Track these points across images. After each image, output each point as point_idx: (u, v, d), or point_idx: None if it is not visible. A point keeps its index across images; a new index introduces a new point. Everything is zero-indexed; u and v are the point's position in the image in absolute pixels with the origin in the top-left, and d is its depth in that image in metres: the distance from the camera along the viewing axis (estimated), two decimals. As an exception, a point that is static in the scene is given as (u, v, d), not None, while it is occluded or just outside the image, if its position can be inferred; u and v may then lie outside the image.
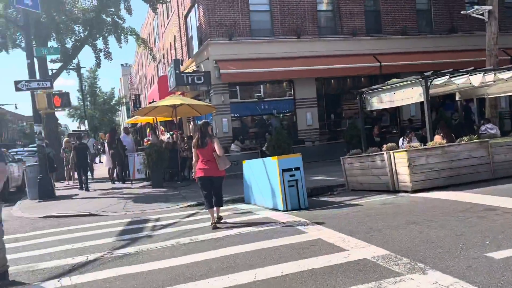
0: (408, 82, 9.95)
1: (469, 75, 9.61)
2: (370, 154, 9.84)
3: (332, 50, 17.46)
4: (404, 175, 8.76)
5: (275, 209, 8.38)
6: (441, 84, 9.67)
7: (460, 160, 8.95)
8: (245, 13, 16.70)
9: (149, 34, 37.14)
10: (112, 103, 56.38)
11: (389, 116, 19.36)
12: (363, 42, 18.02)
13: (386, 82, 10.81)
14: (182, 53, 21.79)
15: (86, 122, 42.69)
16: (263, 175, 8.77)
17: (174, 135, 19.18)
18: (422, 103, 11.20)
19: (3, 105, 62.64)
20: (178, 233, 7.01)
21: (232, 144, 15.61)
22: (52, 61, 17.98)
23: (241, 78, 15.97)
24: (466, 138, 9.17)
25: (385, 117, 19.27)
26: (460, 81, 9.54)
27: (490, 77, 9.74)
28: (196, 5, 18.18)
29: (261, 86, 17.96)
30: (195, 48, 18.96)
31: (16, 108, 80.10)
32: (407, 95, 10.03)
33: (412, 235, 5.53)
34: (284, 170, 8.11)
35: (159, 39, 31.02)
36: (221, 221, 7.51)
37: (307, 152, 15.15)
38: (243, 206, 9.37)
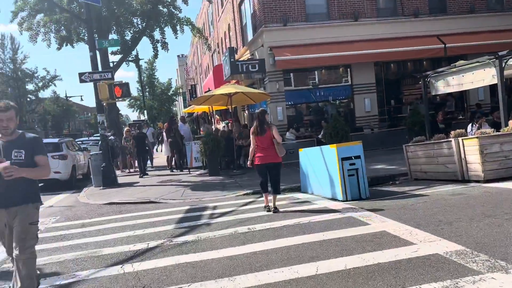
0: (480, 63, 9.18)
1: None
2: (436, 141, 9.23)
3: (392, 33, 16.61)
4: (475, 163, 8.12)
5: (334, 199, 8.10)
6: (518, 64, 8.82)
7: (540, 147, 8.14)
8: (300, -2, 16.27)
9: (203, 24, 37.57)
10: (169, 94, 57.96)
11: (454, 101, 18.19)
12: (426, 22, 16.98)
13: (453, 64, 10.06)
14: (237, 41, 21.76)
15: (145, 112, 44.18)
16: (321, 163, 8.50)
17: (229, 124, 19.30)
18: (493, 86, 10.40)
19: (70, 97, 66.43)
20: (236, 222, 6.95)
21: (287, 132, 15.39)
22: (112, 53, 18.63)
23: (296, 64, 15.64)
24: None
25: (450, 102, 18.12)
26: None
27: None
28: (250, -8, 18.01)
29: (316, 72, 17.52)
30: (250, 36, 18.83)
31: (81, 100, 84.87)
32: (478, 77, 9.27)
33: (488, 229, 5.06)
34: (343, 159, 7.78)
35: (214, 28, 31.24)
36: (279, 211, 7.38)
37: (366, 140, 14.43)
38: (300, 195, 9.17)
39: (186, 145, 14.71)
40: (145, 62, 53.35)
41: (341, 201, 7.79)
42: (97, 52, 18.23)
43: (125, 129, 16.72)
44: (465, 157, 8.37)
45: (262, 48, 16.35)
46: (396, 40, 16.44)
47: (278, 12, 16.11)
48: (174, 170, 15.56)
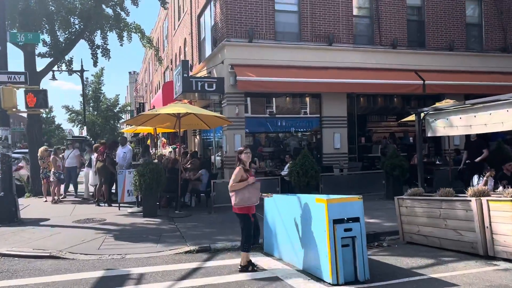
0: (502, 102, 7.24)
1: None
2: (445, 198, 7.06)
3: (368, 63, 14.84)
4: (506, 235, 5.97)
5: (316, 276, 5.59)
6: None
7: None
8: (270, 13, 14.14)
9: (158, 39, 34.86)
10: (116, 110, 53.94)
11: (426, 144, 16.62)
12: (404, 55, 15.39)
13: (463, 102, 8.10)
14: (193, 58, 19.26)
15: (85, 128, 40.12)
16: (299, 221, 6.02)
17: (176, 149, 16.52)
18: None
19: None
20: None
21: (245, 166, 12.84)
22: (40, 55, 15.42)
23: (260, 87, 13.32)
24: None
25: (429, 143, 16.52)
26: None
27: None
28: (212, 1, 15.68)
29: (280, 98, 15.37)
30: (208, 51, 16.40)
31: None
32: (495, 119, 7.29)
33: None
34: (336, 221, 5.35)
35: (168, 43, 28.62)
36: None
37: (335, 183, 12.48)
38: (263, 262, 6.58)
39: (119, 173, 11.74)
40: (91, 75, 49.41)
41: (330, 284, 5.29)
42: (22, 53, 15.13)
43: (42, 148, 13.40)
44: (490, 225, 6.21)
45: (222, 65, 13.93)
46: (372, 71, 14.66)
47: (243, 26, 13.84)
48: (102, 204, 12.47)
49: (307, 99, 15.55)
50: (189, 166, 12.73)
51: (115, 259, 7.02)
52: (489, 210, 6.21)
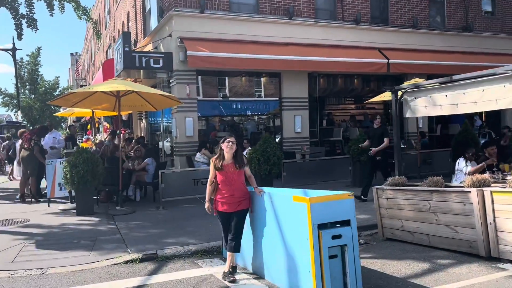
0: (498, 76, 6.27)
1: None
2: (436, 189, 6.03)
3: (330, 39, 13.72)
4: (516, 234, 5.01)
5: (294, 295, 4.35)
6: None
7: None
8: (224, -20, 12.59)
9: (99, 16, 32.03)
10: (55, 94, 49.97)
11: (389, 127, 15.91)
12: (367, 32, 14.42)
13: (450, 77, 7.09)
14: (137, 33, 17.32)
15: (19, 112, 36.54)
16: (271, 223, 4.73)
17: (121, 134, 14.70)
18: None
19: None
20: None
21: (198, 154, 11.42)
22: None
23: (214, 63, 11.83)
24: None
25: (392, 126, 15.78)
26: None
27: None
28: (157, -33, 13.87)
29: (235, 79, 14.01)
30: (154, 24, 14.59)
31: None
32: (489, 96, 6.33)
33: None
34: (321, 226, 4.10)
35: (110, 19, 26.14)
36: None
37: (298, 170, 11.36)
38: (219, 271, 5.24)
39: (48, 164, 9.90)
40: (27, 55, 45.22)
41: (314, 309, 4.06)
42: None
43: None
44: (494, 221, 5.23)
45: (170, 39, 12.27)
46: (335, 48, 13.58)
47: (194, -6, 12.20)
48: (28, 200, 10.58)
49: (265, 79, 14.28)
50: (133, 154, 11.08)
51: (31, 276, 5.43)
52: (493, 204, 5.22)
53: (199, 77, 13.06)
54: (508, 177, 7.00)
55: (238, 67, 12.42)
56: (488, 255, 5.29)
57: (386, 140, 9.33)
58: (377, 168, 9.53)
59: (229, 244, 5.06)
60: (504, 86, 6.10)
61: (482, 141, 13.25)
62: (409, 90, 7.78)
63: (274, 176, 10.22)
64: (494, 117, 17.06)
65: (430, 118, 15.13)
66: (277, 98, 13.81)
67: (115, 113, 11.41)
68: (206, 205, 5.29)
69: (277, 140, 13.58)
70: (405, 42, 14.88)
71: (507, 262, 5.10)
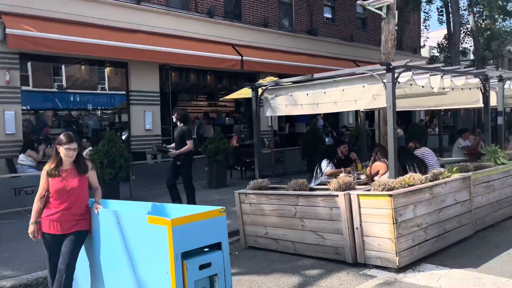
0: (357, 76, 6.23)
1: (430, 75, 6.45)
2: (304, 193, 5.67)
3: (183, 31, 12.78)
4: (382, 238, 4.87)
5: None
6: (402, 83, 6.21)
7: (446, 208, 5.61)
8: None
9: None
10: None
11: (241, 125, 15.82)
12: (221, 27, 13.92)
13: (311, 75, 6.87)
14: None
15: None
16: (119, 253, 3.63)
17: None
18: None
19: None
20: None
21: (21, 155, 9.30)
22: None
23: (43, 46, 9.81)
24: (447, 170, 5.91)
25: (238, 125, 15.66)
26: (423, 82, 6.27)
27: (447, 81, 6.82)
28: None
29: (74, 67, 12.14)
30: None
31: None
32: (349, 96, 6.26)
33: None
34: (185, 255, 3.18)
35: None
36: None
37: (149, 173, 10.23)
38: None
39: None
40: None
41: None
42: None
43: None
44: (360, 225, 5.04)
45: (-18, 12, 9.76)
46: (188, 40, 12.71)
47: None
48: None
49: (110, 69, 12.69)
50: None
51: None
52: (359, 207, 5.03)
53: (29, 63, 10.83)
54: (362, 176, 7.13)
55: (76, 53, 10.57)
56: (355, 261, 5.10)
57: (189, 142, 7.71)
58: (177, 175, 7.91)
59: (57, 280, 3.78)
60: (363, 86, 6.06)
61: (327, 140, 14.04)
62: (269, 87, 7.37)
63: (121, 180, 8.89)
64: (334, 117, 18.42)
65: (280, 117, 15.44)
66: (124, 92, 12.33)
67: None
68: (31, 228, 3.90)
69: (124, 138, 12.16)
70: (258, 40, 14.85)
71: (373, 267, 4.96)
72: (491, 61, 18.60)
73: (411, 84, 6.16)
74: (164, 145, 9.04)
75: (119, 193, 8.75)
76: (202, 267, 3.25)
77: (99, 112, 13.85)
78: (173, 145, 8.17)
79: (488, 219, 6.42)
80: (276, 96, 7.30)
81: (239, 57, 13.49)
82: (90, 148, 9.24)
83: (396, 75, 5.72)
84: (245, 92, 11.00)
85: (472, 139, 10.88)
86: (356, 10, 18.72)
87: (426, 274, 4.72)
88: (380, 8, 10.83)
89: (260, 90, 7.45)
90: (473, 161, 7.15)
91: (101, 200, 4.24)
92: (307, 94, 6.80)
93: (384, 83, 5.71)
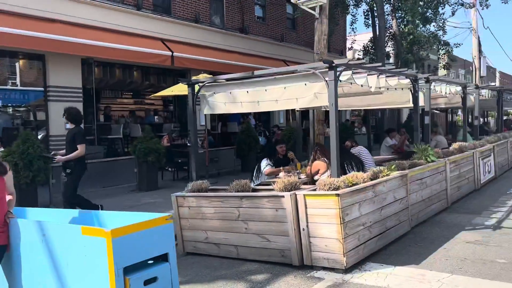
0: (299, 74, 6.11)
1: (367, 74, 6.54)
2: (247, 194, 5.41)
3: (108, 23, 11.94)
4: (329, 239, 4.76)
5: None
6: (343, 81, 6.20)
7: (387, 205, 5.67)
8: None
9: None
10: None
11: (172, 124, 15.19)
12: (150, 20, 13.23)
13: (252, 72, 6.63)
14: None
15: None
16: (45, 271, 3.09)
17: None
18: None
19: None
20: None
21: None
22: None
23: None
24: (386, 168, 5.98)
25: (169, 124, 15.02)
26: (361, 81, 6.33)
27: (382, 81, 6.98)
28: None
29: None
30: None
31: None
32: (290, 94, 6.13)
33: None
34: (128, 270, 2.77)
35: None
36: None
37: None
38: None
39: None
40: None
41: None
42: None
43: None
44: (307, 226, 4.90)
45: None
46: (114, 33, 11.90)
47: None
48: None
49: (24, 61, 11.46)
50: None
51: None
52: (306, 208, 4.89)
53: None
54: (302, 176, 7.05)
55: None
56: (301, 263, 4.95)
57: (80, 147, 6.67)
58: (73, 184, 6.97)
59: None
60: (305, 84, 5.97)
61: (260, 139, 13.97)
62: (207, 84, 7.03)
63: (40, 184, 8.01)
64: (265, 117, 18.44)
65: (212, 116, 15.09)
66: (41, 87, 11.20)
67: None
68: None
69: (40, 137, 11.05)
70: (189, 36, 14.35)
71: (320, 269, 4.84)
72: (414, 65, 19.78)
73: (351, 83, 6.18)
74: (53, 152, 7.46)
75: (37, 199, 7.88)
76: (147, 282, 2.85)
77: (10, 110, 12.48)
78: (63, 151, 7.04)
79: (422, 215, 6.66)
80: (214, 93, 6.99)
81: (170, 53, 12.92)
82: (2, 149, 8.22)
83: (338, 73, 5.68)
84: (178, 89, 10.52)
85: (398, 138, 11.38)
86: (286, 10, 18.91)
87: (372, 274, 4.69)
88: (313, 8, 10.95)
89: (197, 87, 7.10)
90: (401, 159, 7.39)
91: (17, 208, 3.66)
92: (247, 92, 6.57)
93: (326, 81, 5.64)
